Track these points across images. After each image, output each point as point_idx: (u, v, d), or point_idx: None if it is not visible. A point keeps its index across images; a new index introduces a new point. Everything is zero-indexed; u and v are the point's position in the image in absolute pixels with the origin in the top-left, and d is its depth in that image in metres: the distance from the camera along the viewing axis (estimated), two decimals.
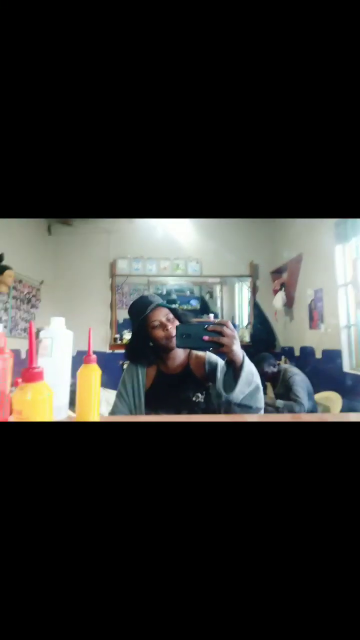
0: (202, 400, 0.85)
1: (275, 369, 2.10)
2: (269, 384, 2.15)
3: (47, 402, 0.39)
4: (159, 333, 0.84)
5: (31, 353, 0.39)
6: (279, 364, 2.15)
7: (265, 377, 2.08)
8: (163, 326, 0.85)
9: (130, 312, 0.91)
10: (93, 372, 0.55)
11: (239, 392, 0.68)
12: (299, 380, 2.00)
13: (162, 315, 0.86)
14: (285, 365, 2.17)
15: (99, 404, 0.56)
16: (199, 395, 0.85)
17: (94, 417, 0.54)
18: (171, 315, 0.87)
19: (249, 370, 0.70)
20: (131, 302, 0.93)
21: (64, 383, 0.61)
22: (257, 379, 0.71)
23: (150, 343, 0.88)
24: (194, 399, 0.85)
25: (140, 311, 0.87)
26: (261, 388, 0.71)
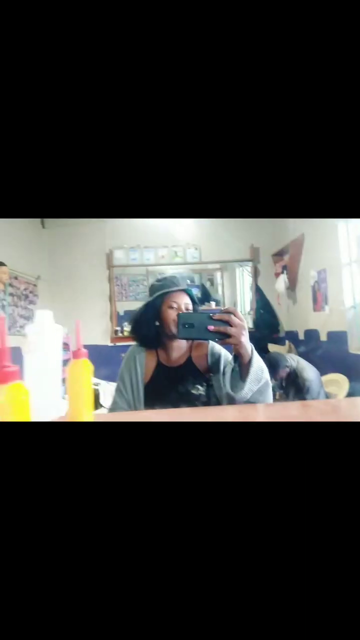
0: (203, 392, 0.80)
1: (288, 369, 1.93)
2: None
3: (24, 404, 0.35)
4: (172, 314, 0.78)
5: (3, 351, 0.34)
6: (290, 364, 1.95)
7: (276, 378, 1.91)
8: (179, 311, 0.79)
9: (152, 286, 0.85)
10: (84, 368, 0.51)
11: (248, 391, 0.63)
12: (315, 387, 1.91)
13: (183, 301, 0.80)
14: (296, 364, 1.97)
15: (92, 402, 0.52)
16: (199, 387, 0.81)
17: (86, 417, 0.50)
18: (190, 307, 0.82)
19: (258, 365, 0.64)
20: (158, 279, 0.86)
21: (54, 381, 0.56)
22: (267, 374, 0.65)
23: (157, 322, 0.83)
24: (193, 391, 0.81)
25: (163, 286, 0.81)
26: (270, 384, 0.66)
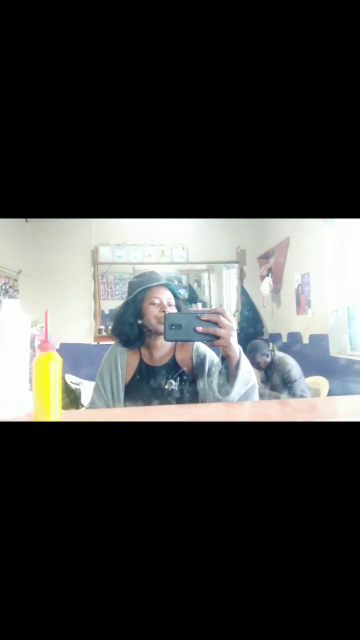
0: (176, 388, 0.78)
1: (268, 359, 2.05)
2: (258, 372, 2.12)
3: None
4: (154, 311, 0.76)
5: None
6: (272, 352, 2.11)
7: (256, 366, 2.03)
8: (161, 306, 0.77)
9: (131, 283, 0.83)
10: (51, 362, 0.47)
11: (236, 394, 0.61)
12: (297, 371, 1.99)
13: (165, 296, 0.78)
14: (279, 353, 2.11)
15: (60, 400, 0.48)
16: (172, 382, 0.78)
17: (53, 416, 0.47)
18: (173, 301, 0.80)
19: (246, 368, 0.62)
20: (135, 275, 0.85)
21: (19, 373, 0.53)
22: (254, 377, 0.64)
23: (139, 320, 0.80)
24: (166, 386, 0.78)
25: (143, 282, 0.79)
26: (257, 386, 0.65)
